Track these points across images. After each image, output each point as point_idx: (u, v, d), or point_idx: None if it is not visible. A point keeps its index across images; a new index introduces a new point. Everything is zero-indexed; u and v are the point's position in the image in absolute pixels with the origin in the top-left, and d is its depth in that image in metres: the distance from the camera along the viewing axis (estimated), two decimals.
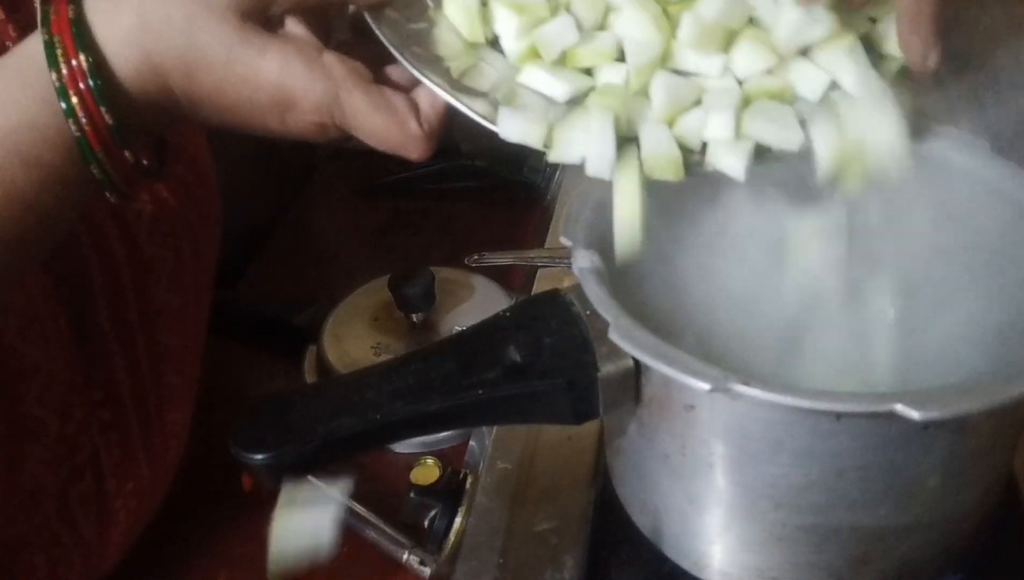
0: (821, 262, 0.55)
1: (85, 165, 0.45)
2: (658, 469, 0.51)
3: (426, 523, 0.65)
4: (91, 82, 0.43)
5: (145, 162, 0.46)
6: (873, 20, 0.51)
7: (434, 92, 0.46)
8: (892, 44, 0.50)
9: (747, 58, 0.48)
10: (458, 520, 0.63)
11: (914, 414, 0.40)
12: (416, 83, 0.47)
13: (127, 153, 0.45)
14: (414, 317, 0.82)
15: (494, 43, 0.50)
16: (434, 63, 0.47)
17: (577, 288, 0.49)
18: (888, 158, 0.48)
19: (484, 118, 0.46)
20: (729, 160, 0.47)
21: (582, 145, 0.46)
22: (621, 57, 0.49)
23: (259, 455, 0.45)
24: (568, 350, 0.48)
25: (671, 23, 0.49)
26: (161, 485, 0.69)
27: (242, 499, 0.72)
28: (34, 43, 0.44)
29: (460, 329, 0.52)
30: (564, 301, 0.50)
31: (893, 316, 0.55)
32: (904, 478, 0.46)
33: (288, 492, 0.47)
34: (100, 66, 0.43)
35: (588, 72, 0.49)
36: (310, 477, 0.68)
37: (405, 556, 0.65)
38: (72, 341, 0.58)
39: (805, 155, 0.48)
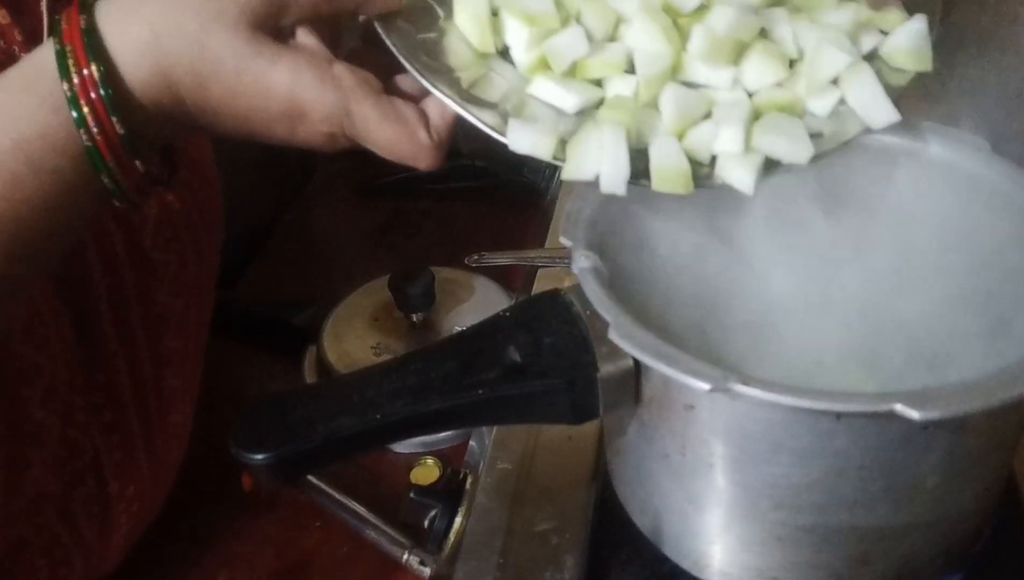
0: (821, 262, 0.55)
1: (96, 175, 0.45)
2: (658, 469, 0.51)
3: (426, 523, 0.65)
4: (102, 92, 0.43)
5: (155, 171, 0.46)
6: (884, 33, 0.51)
7: (443, 103, 0.46)
8: (903, 58, 0.50)
9: (758, 70, 0.48)
10: (458, 520, 0.63)
11: (914, 414, 0.40)
12: (426, 93, 0.47)
13: (138, 162, 0.45)
14: (414, 317, 0.82)
15: (504, 53, 0.50)
16: (444, 73, 0.47)
17: (577, 288, 0.49)
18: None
19: (494, 129, 0.46)
20: (738, 174, 0.46)
21: (595, 162, 0.46)
22: (631, 68, 0.48)
23: (259, 455, 0.45)
24: (568, 350, 0.48)
25: (681, 35, 0.49)
26: (162, 487, 0.69)
27: (242, 499, 0.72)
28: (45, 53, 0.44)
29: (460, 329, 0.52)
30: (564, 301, 0.50)
31: (893, 316, 0.55)
32: (904, 478, 0.46)
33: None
34: (111, 76, 0.43)
35: (598, 83, 0.49)
36: (310, 476, 0.69)
37: (405, 556, 0.65)
38: (74, 344, 0.58)
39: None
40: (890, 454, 0.44)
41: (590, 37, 0.48)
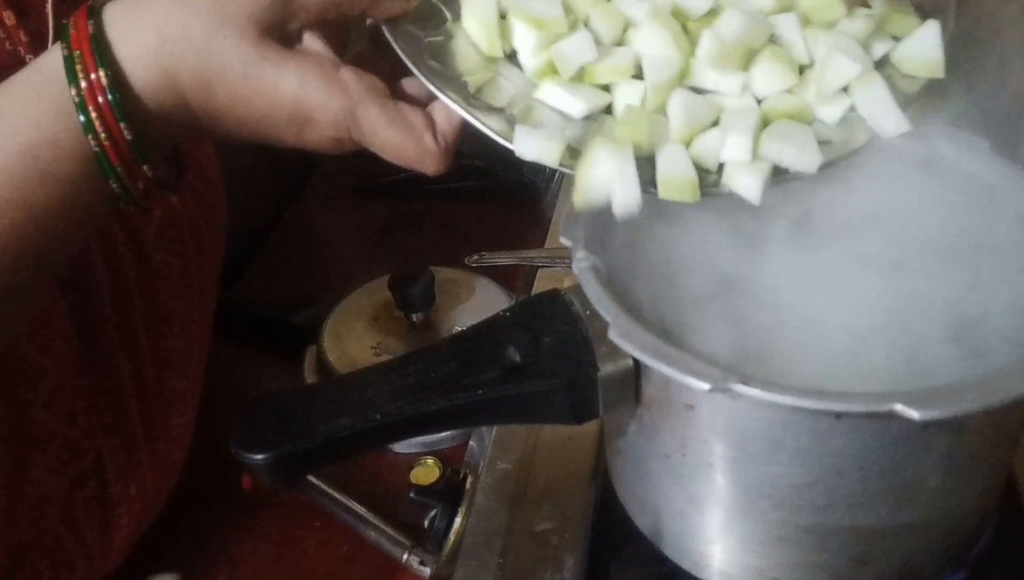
0: (823, 262, 0.55)
1: (104, 180, 0.45)
2: (658, 469, 0.51)
3: (426, 523, 0.65)
4: (110, 97, 0.43)
5: (163, 175, 0.47)
6: (896, 38, 0.51)
7: (450, 107, 0.46)
8: (915, 65, 0.50)
9: (767, 77, 0.48)
10: (458, 520, 0.63)
11: (914, 414, 0.40)
12: (433, 97, 0.47)
13: (146, 167, 0.45)
14: (414, 317, 0.82)
15: (512, 57, 0.50)
16: (451, 77, 0.47)
17: (577, 288, 0.49)
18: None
19: (500, 136, 0.46)
20: (745, 182, 0.46)
21: (605, 188, 0.46)
22: (639, 73, 0.48)
23: (259, 455, 0.45)
24: (568, 350, 0.48)
25: (691, 40, 0.48)
26: (164, 488, 0.69)
27: (242, 499, 0.72)
28: (52, 58, 0.44)
29: (460, 329, 0.52)
30: (564, 301, 0.50)
31: (893, 315, 0.55)
32: (904, 478, 0.46)
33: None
34: (119, 81, 0.43)
35: (606, 88, 0.49)
36: (310, 477, 0.69)
37: (405, 556, 0.65)
38: (78, 346, 0.58)
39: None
40: (890, 454, 0.44)
41: (598, 42, 0.48)
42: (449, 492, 0.65)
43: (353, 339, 0.82)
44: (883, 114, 0.48)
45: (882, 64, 0.50)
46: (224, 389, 0.75)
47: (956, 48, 0.50)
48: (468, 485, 0.65)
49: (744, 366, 0.44)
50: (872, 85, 0.48)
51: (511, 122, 0.46)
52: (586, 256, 0.50)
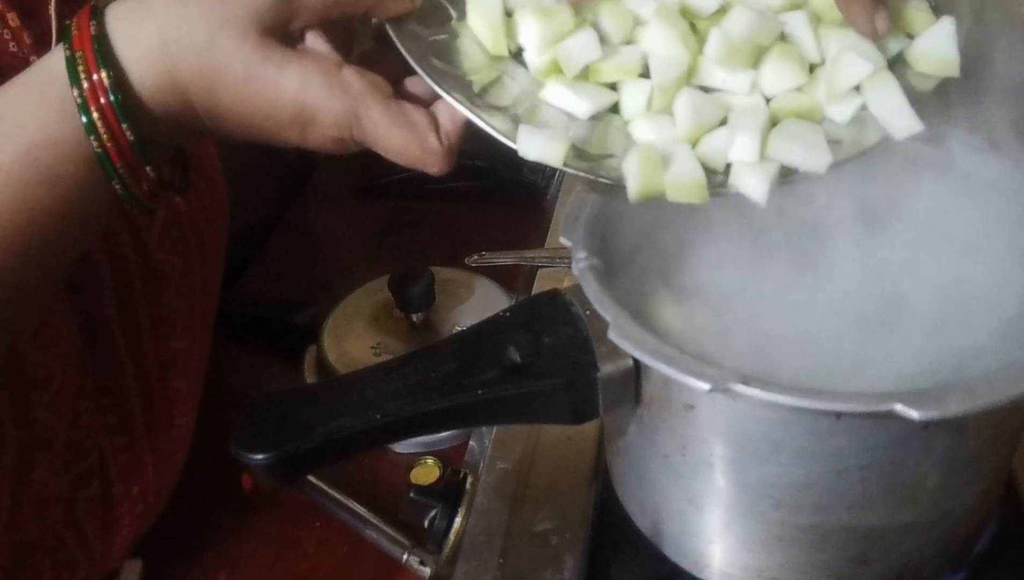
0: (824, 263, 0.55)
1: (106, 181, 0.45)
2: (658, 469, 0.51)
3: (426, 523, 0.65)
4: (112, 98, 0.43)
5: (166, 176, 0.47)
6: (910, 36, 0.50)
7: (454, 107, 0.46)
8: (928, 62, 0.49)
9: (776, 74, 0.47)
10: (458, 520, 0.63)
11: (914, 414, 0.40)
12: (436, 96, 0.47)
13: (148, 168, 0.45)
14: (414, 317, 0.82)
15: (518, 56, 0.50)
16: (455, 76, 0.47)
17: (577, 288, 0.49)
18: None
19: (503, 135, 0.46)
20: (752, 182, 0.45)
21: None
22: (646, 72, 0.48)
23: (259, 455, 0.45)
24: (568, 350, 0.48)
25: (699, 39, 0.48)
26: (165, 488, 0.69)
27: (242, 499, 0.72)
28: (55, 59, 0.44)
29: (460, 329, 0.52)
30: (564, 301, 0.50)
31: (892, 315, 0.55)
32: (904, 478, 0.46)
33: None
34: (121, 82, 0.43)
35: (613, 87, 0.48)
36: (310, 477, 0.69)
37: (405, 556, 0.65)
38: (82, 347, 0.58)
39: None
40: (890, 454, 0.44)
41: (607, 40, 0.48)
42: (449, 492, 0.65)
43: (353, 339, 0.82)
44: (896, 114, 0.47)
45: (896, 62, 0.50)
46: (224, 389, 0.75)
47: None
48: (468, 485, 0.65)
49: (744, 366, 0.44)
50: (885, 84, 0.47)
51: (515, 122, 0.46)
52: (586, 256, 0.50)
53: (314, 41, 0.46)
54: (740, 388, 0.42)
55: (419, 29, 0.48)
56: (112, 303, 0.60)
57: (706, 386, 0.42)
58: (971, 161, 0.54)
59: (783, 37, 0.49)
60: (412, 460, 0.73)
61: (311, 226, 1.10)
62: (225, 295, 0.74)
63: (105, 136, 0.43)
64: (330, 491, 0.69)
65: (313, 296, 0.91)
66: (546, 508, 0.61)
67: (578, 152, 0.46)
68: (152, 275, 0.62)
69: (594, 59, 0.47)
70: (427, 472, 0.72)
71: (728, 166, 0.47)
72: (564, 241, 0.51)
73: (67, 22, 0.45)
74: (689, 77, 0.48)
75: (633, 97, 0.48)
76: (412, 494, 0.66)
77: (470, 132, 0.48)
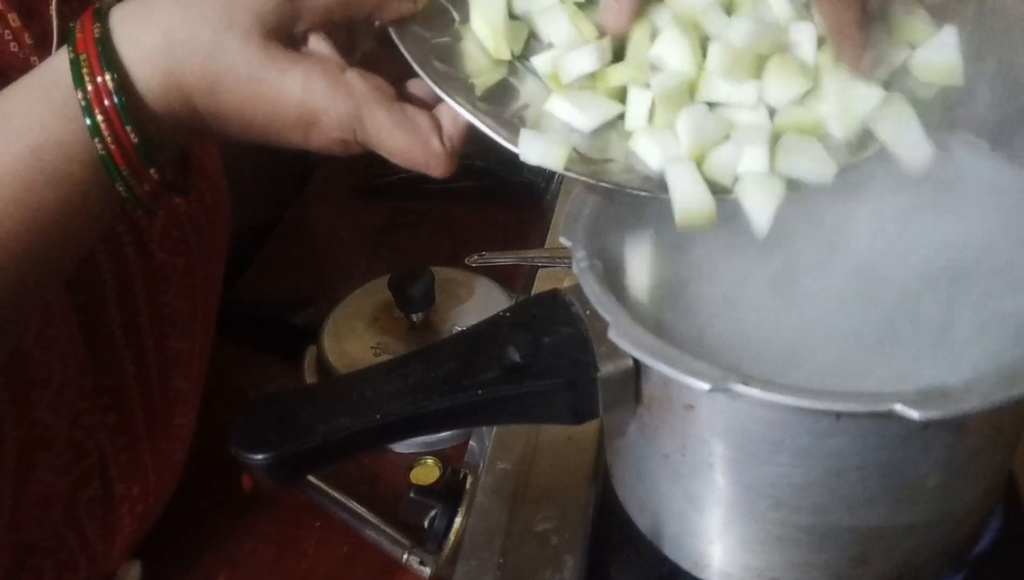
0: (825, 263, 0.55)
1: (110, 182, 0.45)
2: (658, 469, 0.51)
3: (426, 523, 0.65)
4: (116, 100, 0.43)
5: (170, 178, 0.47)
6: (912, 46, 0.50)
7: (456, 110, 0.46)
8: (931, 72, 0.49)
9: (780, 85, 0.47)
10: (458, 520, 0.63)
11: (914, 414, 0.40)
12: (439, 98, 0.47)
13: (152, 170, 0.45)
14: (414, 317, 0.82)
15: (521, 59, 0.50)
16: (457, 79, 0.47)
17: (577, 288, 0.49)
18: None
19: (505, 139, 0.46)
20: (756, 203, 0.46)
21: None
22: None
23: (259, 455, 0.45)
24: (568, 350, 0.48)
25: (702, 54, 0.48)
26: (166, 487, 0.69)
27: (242, 499, 0.72)
28: (59, 61, 0.44)
29: (460, 329, 0.52)
30: (564, 301, 0.50)
31: (893, 316, 0.55)
32: (904, 478, 0.46)
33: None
34: (125, 84, 0.44)
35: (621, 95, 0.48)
36: (310, 477, 0.69)
37: (405, 556, 0.65)
38: (83, 347, 0.59)
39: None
40: (890, 454, 0.44)
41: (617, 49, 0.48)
42: (449, 492, 0.65)
43: (353, 339, 0.82)
44: (909, 142, 0.47)
45: (899, 73, 0.49)
46: (224, 389, 0.75)
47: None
48: (468, 485, 0.65)
49: (744, 366, 0.44)
50: (896, 111, 0.47)
51: (517, 125, 0.46)
52: (586, 256, 0.50)
53: (317, 44, 0.46)
54: (740, 388, 0.42)
55: (422, 32, 0.48)
56: (113, 303, 0.60)
57: (706, 386, 0.42)
58: (972, 162, 0.54)
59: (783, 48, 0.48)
60: (412, 460, 0.73)
61: (311, 226, 1.10)
62: (225, 295, 0.74)
63: (109, 138, 0.44)
64: (330, 491, 0.69)
65: (313, 296, 0.91)
66: (546, 508, 0.61)
67: (579, 156, 0.46)
68: (153, 275, 0.62)
69: (590, 70, 0.47)
70: (427, 472, 0.72)
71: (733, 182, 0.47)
72: (564, 241, 0.51)
73: (71, 24, 0.45)
74: (692, 93, 0.47)
75: (637, 107, 0.47)
76: (412, 494, 0.66)
77: (471, 133, 0.48)
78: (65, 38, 0.45)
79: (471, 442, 0.72)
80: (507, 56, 0.49)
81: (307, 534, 0.71)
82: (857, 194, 0.52)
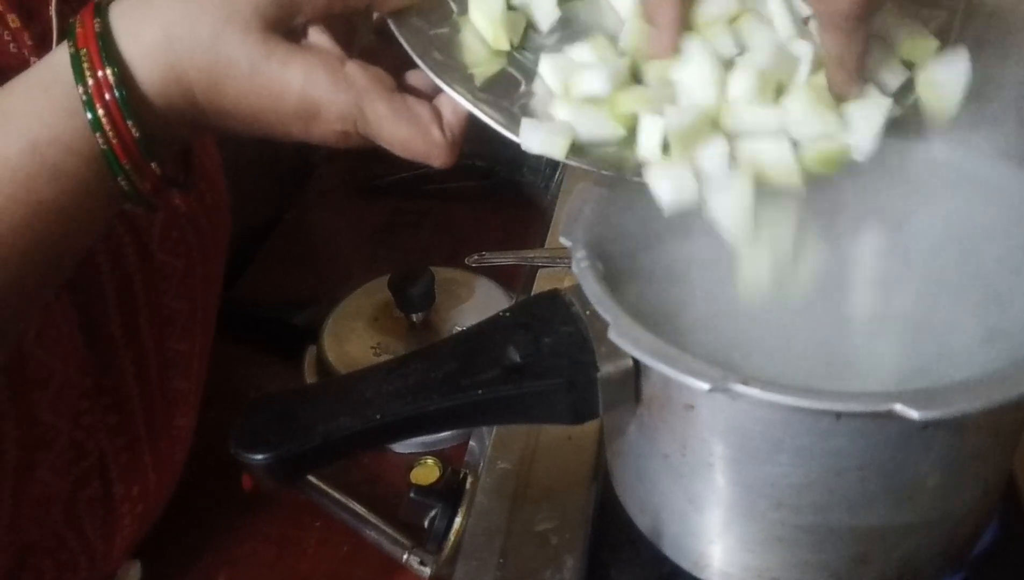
0: (821, 261, 0.55)
1: (112, 178, 0.45)
2: (658, 469, 0.51)
3: (426, 523, 0.65)
4: (117, 94, 0.43)
5: (171, 173, 0.47)
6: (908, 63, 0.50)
7: (456, 100, 0.46)
8: (935, 96, 0.49)
9: (804, 115, 0.47)
10: (458, 520, 0.63)
11: (914, 414, 0.40)
12: (439, 89, 0.47)
13: (154, 165, 0.45)
14: (414, 317, 0.82)
15: (520, 49, 0.50)
16: (456, 70, 0.47)
17: (577, 288, 0.49)
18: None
19: (505, 128, 0.46)
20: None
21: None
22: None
23: (259, 455, 0.45)
24: (568, 350, 0.48)
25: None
26: (166, 488, 0.69)
27: (242, 499, 0.72)
28: (59, 57, 0.44)
29: (460, 329, 0.52)
30: (564, 301, 0.50)
31: (893, 315, 0.55)
32: (904, 478, 0.46)
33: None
34: (125, 79, 0.44)
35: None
36: (310, 477, 0.69)
37: (405, 556, 0.65)
38: (83, 347, 0.59)
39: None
40: (890, 454, 0.44)
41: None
42: (449, 492, 0.65)
43: (353, 339, 0.82)
44: (864, 134, 0.47)
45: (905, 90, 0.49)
46: (224, 389, 0.75)
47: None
48: (468, 485, 0.65)
49: (744, 366, 0.44)
50: (874, 106, 0.47)
51: (517, 115, 0.46)
52: (586, 256, 0.50)
53: (317, 36, 0.46)
54: (740, 388, 0.42)
55: (420, 23, 0.48)
56: (112, 304, 0.60)
57: (706, 386, 0.42)
58: (972, 163, 0.54)
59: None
60: (412, 460, 0.73)
61: (311, 226, 1.10)
62: (225, 295, 0.74)
63: (110, 133, 0.44)
64: (330, 491, 0.69)
65: (313, 296, 0.91)
66: (546, 508, 0.61)
67: (580, 145, 0.46)
68: (153, 276, 0.62)
69: (600, 93, 0.47)
70: (427, 472, 0.72)
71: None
72: (564, 241, 0.51)
73: (71, 20, 0.45)
74: (712, 124, 0.47)
75: (649, 136, 0.47)
76: (412, 494, 0.66)
77: (471, 133, 0.48)
78: (65, 34, 0.45)
79: (471, 442, 0.72)
80: (506, 46, 0.49)
81: (307, 534, 0.71)
82: (857, 194, 0.52)
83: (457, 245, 0.93)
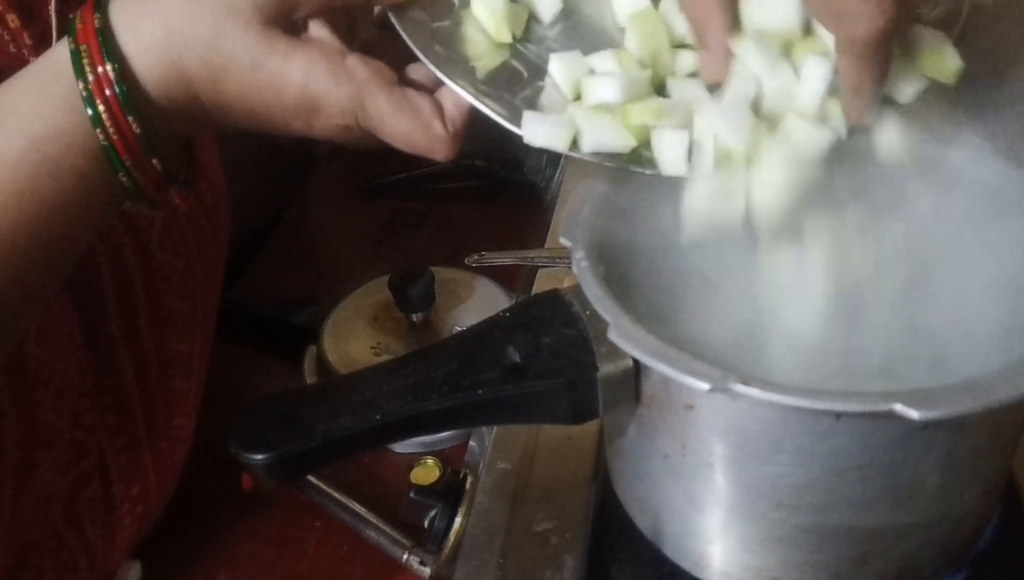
0: (821, 261, 0.55)
1: (113, 174, 0.45)
2: (658, 469, 0.51)
3: (426, 523, 0.65)
4: (117, 89, 0.43)
5: (173, 169, 0.47)
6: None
7: (457, 93, 0.46)
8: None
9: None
10: (458, 520, 0.63)
11: (913, 414, 0.40)
12: (440, 82, 0.47)
13: (155, 161, 0.45)
14: (414, 317, 0.82)
15: (522, 42, 0.49)
16: (458, 63, 0.47)
17: (577, 288, 0.49)
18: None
19: (508, 121, 0.46)
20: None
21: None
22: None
23: (259, 455, 0.45)
24: (567, 350, 0.48)
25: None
26: (166, 488, 0.69)
27: (242, 499, 0.72)
28: (59, 53, 0.44)
29: (460, 329, 0.52)
30: (564, 301, 0.50)
31: (893, 316, 0.55)
32: (904, 478, 0.46)
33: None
34: (126, 74, 0.44)
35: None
36: (310, 477, 0.69)
37: (405, 556, 0.65)
38: (84, 347, 0.58)
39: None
40: (890, 454, 0.44)
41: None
42: (449, 492, 0.65)
43: (353, 339, 0.82)
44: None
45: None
46: (224, 389, 0.75)
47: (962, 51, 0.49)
48: (468, 485, 0.65)
49: (744, 366, 0.44)
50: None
51: (519, 107, 0.46)
52: (586, 256, 0.50)
53: (317, 30, 0.46)
54: (740, 388, 0.42)
55: (422, 16, 0.48)
56: (112, 304, 0.60)
57: (706, 386, 0.42)
58: (973, 164, 0.54)
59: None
60: (412, 460, 0.73)
61: (311, 226, 1.10)
62: (225, 295, 0.74)
63: (111, 128, 0.44)
64: (330, 491, 0.69)
65: (313, 296, 0.91)
66: (546, 508, 0.61)
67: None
68: (152, 276, 0.62)
69: (612, 101, 0.47)
70: (427, 472, 0.72)
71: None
72: (564, 241, 0.51)
73: (71, 16, 0.45)
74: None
75: (665, 150, 0.47)
76: (412, 494, 0.66)
77: (472, 133, 0.48)
78: (65, 33, 0.45)
79: (471, 442, 0.72)
80: (508, 39, 0.49)
81: (307, 534, 0.71)
82: (856, 194, 0.52)
83: (457, 245, 0.93)
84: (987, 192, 0.53)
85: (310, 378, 0.82)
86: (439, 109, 0.47)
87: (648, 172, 0.46)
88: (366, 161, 1.12)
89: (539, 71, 0.49)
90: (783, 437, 0.45)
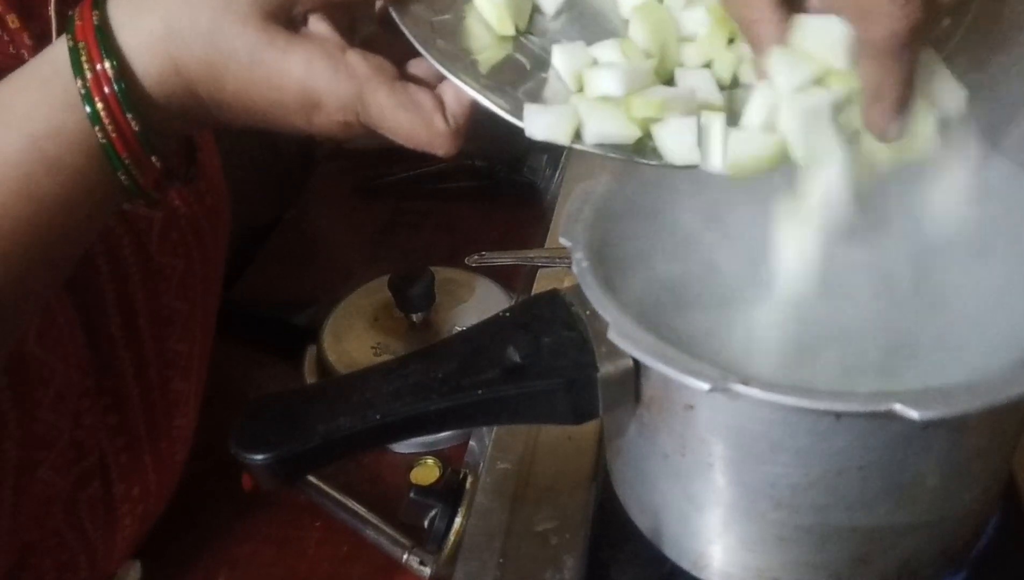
0: (821, 261, 0.55)
1: (112, 172, 0.45)
2: (658, 469, 0.51)
3: (426, 523, 0.65)
4: (116, 87, 0.43)
5: (172, 166, 0.46)
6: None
7: (459, 87, 0.46)
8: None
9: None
10: (458, 520, 0.63)
11: (914, 414, 0.40)
12: (442, 77, 0.46)
13: (154, 158, 0.45)
14: (414, 317, 0.82)
15: (526, 35, 0.49)
16: (460, 57, 0.46)
17: (577, 288, 0.49)
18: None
19: (510, 114, 0.45)
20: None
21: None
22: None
23: (259, 455, 0.45)
24: (568, 350, 0.48)
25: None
26: (166, 488, 0.69)
27: (242, 499, 0.72)
28: (58, 51, 0.44)
29: (460, 329, 0.52)
30: (564, 301, 0.50)
31: (893, 316, 0.55)
32: (904, 478, 0.46)
33: None
34: (124, 71, 0.43)
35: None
36: (310, 477, 0.69)
37: (405, 556, 0.65)
38: (84, 347, 0.58)
39: None
40: (890, 454, 0.44)
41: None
42: (449, 492, 0.65)
43: (353, 339, 0.82)
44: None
45: None
46: (224, 389, 0.75)
47: (962, 52, 0.49)
48: (468, 485, 0.65)
49: (745, 366, 0.44)
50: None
51: (522, 101, 0.46)
52: (586, 256, 0.50)
53: (317, 25, 0.46)
54: (740, 388, 0.42)
55: (423, 11, 0.48)
56: (112, 304, 0.60)
57: (706, 386, 0.42)
58: (970, 161, 0.54)
59: None
60: (412, 460, 0.73)
61: (311, 226, 1.10)
62: (225, 295, 0.74)
63: (110, 126, 0.43)
64: (330, 491, 0.69)
65: (313, 296, 0.91)
66: (546, 508, 0.61)
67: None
68: (152, 277, 0.62)
69: (613, 94, 0.46)
70: (427, 472, 0.72)
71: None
72: (564, 241, 0.51)
73: (69, 13, 0.44)
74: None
75: (670, 140, 0.45)
76: (412, 494, 0.66)
77: (472, 132, 0.48)
78: (64, 27, 0.44)
79: (471, 442, 0.72)
80: (511, 31, 0.48)
81: (307, 534, 0.71)
82: (856, 194, 0.52)
83: (457, 245, 0.93)
84: (989, 192, 0.53)
85: (310, 378, 0.82)
86: (440, 104, 0.46)
87: (654, 164, 0.45)
88: (366, 161, 1.12)
89: (543, 63, 0.48)
90: (783, 437, 0.45)
